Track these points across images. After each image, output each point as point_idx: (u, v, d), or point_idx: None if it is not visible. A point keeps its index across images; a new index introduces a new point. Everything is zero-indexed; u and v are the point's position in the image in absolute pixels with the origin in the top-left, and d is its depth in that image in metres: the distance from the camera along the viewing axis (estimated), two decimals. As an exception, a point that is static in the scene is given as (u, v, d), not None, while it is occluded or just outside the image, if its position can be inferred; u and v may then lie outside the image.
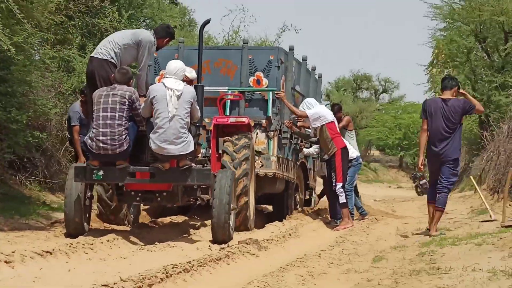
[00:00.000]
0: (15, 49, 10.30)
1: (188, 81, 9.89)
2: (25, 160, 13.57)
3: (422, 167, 10.88)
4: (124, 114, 8.97)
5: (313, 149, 14.14)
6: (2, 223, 10.15)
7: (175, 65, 9.30)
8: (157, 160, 9.12)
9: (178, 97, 8.97)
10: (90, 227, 10.29)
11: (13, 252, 7.17)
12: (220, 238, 9.30)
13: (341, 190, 12.02)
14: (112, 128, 8.90)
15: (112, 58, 9.57)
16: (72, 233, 9.26)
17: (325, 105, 14.23)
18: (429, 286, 5.86)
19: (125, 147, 8.97)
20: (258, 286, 6.03)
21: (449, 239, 9.25)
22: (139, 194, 9.56)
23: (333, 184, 12.14)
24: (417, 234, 10.85)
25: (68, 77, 15.01)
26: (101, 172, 9.11)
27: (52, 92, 14.17)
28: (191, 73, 10.19)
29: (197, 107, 9.41)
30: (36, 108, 12.43)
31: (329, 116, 12.35)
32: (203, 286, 6.45)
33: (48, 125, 14.14)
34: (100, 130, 8.91)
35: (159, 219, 12.38)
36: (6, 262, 6.86)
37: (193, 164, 9.34)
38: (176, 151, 8.96)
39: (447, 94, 10.55)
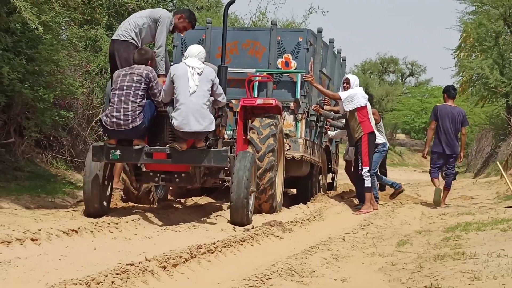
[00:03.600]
0: (43, 28, 10.32)
1: None
2: (51, 138, 13.65)
3: (427, 156, 14.27)
4: (140, 92, 8.99)
5: (336, 132, 14.12)
6: (28, 201, 10.23)
7: (196, 48, 9.36)
8: (175, 141, 9.14)
9: (199, 74, 9.01)
10: (115, 206, 10.37)
11: (40, 230, 7.26)
12: (238, 220, 9.26)
13: (367, 174, 11.99)
14: (126, 105, 8.93)
15: (133, 39, 9.63)
16: (91, 212, 9.31)
17: None
18: (454, 271, 5.83)
19: (138, 123, 8.95)
20: (282, 268, 6.03)
21: (475, 224, 9.19)
22: (158, 175, 9.56)
23: (359, 168, 12.11)
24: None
25: (95, 56, 15.07)
26: (118, 152, 9.12)
27: (79, 72, 14.22)
28: None
29: (220, 89, 9.39)
30: (63, 87, 12.48)
31: (362, 100, 12.24)
32: (227, 267, 6.48)
33: (74, 104, 14.20)
34: (115, 106, 8.97)
35: (184, 200, 12.42)
36: (32, 239, 6.95)
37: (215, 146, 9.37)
38: (198, 128, 8.93)
39: (451, 102, 13.54)
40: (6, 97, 11.07)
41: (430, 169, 13.76)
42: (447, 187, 13.65)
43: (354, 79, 12.53)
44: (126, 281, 5.27)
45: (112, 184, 9.89)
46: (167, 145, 9.19)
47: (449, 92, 13.60)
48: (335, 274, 6.14)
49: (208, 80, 9.09)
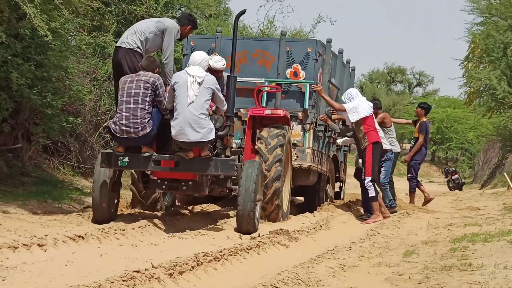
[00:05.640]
0: (52, 35, 10.36)
1: (214, 70, 9.88)
2: (59, 144, 13.70)
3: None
4: (147, 99, 9.02)
5: (344, 138, 14.14)
6: (35, 206, 10.25)
7: (199, 55, 9.39)
8: (182, 149, 9.16)
9: (200, 84, 9.04)
10: (121, 213, 10.38)
11: (46, 235, 7.26)
12: (244, 228, 9.29)
13: (370, 184, 11.99)
14: (135, 112, 8.95)
15: (138, 47, 9.66)
16: (99, 219, 9.34)
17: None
18: (460, 282, 5.82)
19: (148, 130, 9.00)
20: (288, 277, 6.01)
21: (481, 235, 9.17)
22: (165, 182, 9.59)
23: (362, 178, 12.14)
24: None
25: (103, 63, 15.11)
26: (126, 159, 9.17)
27: (87, 78, 14.27)
28: (218, 63, 10.13)
29: (222, 97, 9.40)
30: (71, 93, 12.53)
31: (367, 110, 12.27)
32: (233, 275, 6.47)
33: (82, 111, 14.24)
34: (124, 114, 8.98)
35: (191, 207, 12.42)
36: (39, 245, 6.95)
37: (224, 155, 9.38)
38: (195, 138, 8.96)
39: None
40: (15, 103, 11.10)
41: (412, 179, 15.69)
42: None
43: (353, 92, 12.54)
44: (133, 288, 5.26)
45: (119, 191, 9.93)
46: (175, 154, 9.23)
47: (428, 109, 15.94)
48: (341, 284, 6.12)
49: (208, 88, 9.11)
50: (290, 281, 5.93)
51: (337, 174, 15.27)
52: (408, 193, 16.03)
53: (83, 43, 13.13)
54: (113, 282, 5.20)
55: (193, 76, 9.07)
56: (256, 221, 9.44)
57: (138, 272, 5.55)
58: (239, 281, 6.11)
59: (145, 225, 9.03)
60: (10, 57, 10.49)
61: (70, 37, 12.53)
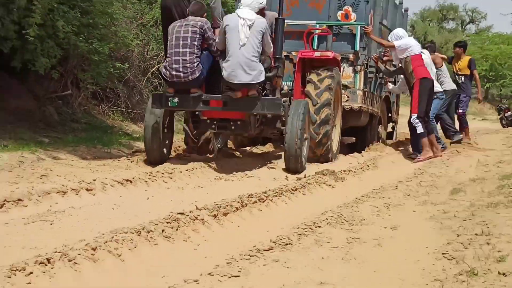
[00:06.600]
0: (96, -20, 10.39)
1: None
2: (108, 90, 13.81)
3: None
4: (196, 43, 9.11)
5: (398, 87, 14.04)
6: (85, 152, 10.39)
7: None
8: (231, 89, 9.21)
9: (250, 26, 9.10)
10: (174, 153, 10.49)
11: (94, 180, 7.36)
12: (292, 167, 9.40)
13: (417, 120, 11.90)
14: (184, 56, 9.07)
15: None
16: (152, 161, 9.54)
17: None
18: (506, 219, 5.75)
19: (197, 75, 9.13)
20: (332, 216, 6.03)
21: (531, 171, 9.05)
22: (214, 122, 9.73)
23: (410, 116, 12.05)
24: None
25: (150, 8, 15.11)
26: (176, 99, 9.33)
27: (134, 24, 14.29)
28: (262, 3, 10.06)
29: (269, 39, 9.40)
30: (117, 39, 12.59)
31: (416, 48, 12.18)
32: (277, 216, 6.50)
33: (130, 56, 14.30)
34: (173, 58, 9.12)
35: (249, 149, 12.48)
36: (87, 189, 7.05)
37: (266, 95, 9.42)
38: (247, 79, 9.08)
39: None
40: (62, 50, 11.19)
41: (464, 115, 15.21)
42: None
43: (401, 32, 12.42)
44: (177, 230, 5.30)
45: (173, 132, 10.06)
46: (223, 94, 9.33)
47: (466, 46, 15.86)
48: (385, 222, 6.11)
49: (259, 31, 9.15)
50: (334, 220, 5.94)
51: (389, 115, 15.20)
52: (463, 130, 15.62)
53: (129, -11, 13.15)
54: (157, 224, 5.25)
55: (243, 19, 9.13)
56: (303, 159, 9.55)
57: (182, 214, 5.61)
58: (283, 221, 6.14)
59: (193, 168, 9.10)
60: (56, 5, 10.54)
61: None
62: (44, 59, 10.43)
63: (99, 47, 11.35)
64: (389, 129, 15.62)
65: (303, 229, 5.54)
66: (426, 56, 12.56)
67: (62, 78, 12.27)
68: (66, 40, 10.86)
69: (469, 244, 4.96)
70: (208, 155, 10.62)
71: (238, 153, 11.77)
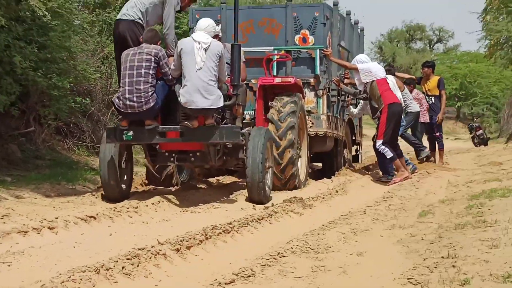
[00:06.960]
0: (51, 15, 10.27)
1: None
2: (71, 125, 13.65)
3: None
4: (150, 72, 8.90)
5: (357, 110, 14.02)
6: (49, 189, 10.21)
7: (206, 21, 9.32)
8: (188, 119, 9.04)
9: (206, 50, 8.92)
10: (136, 189, 10.31)
11: (57, 218, 7.23)
12: (255, 197, 9.20)
13: (383, 146, 11.84)
14: (138, 86, 8.84)
15: (139, 18, 9.56)
16: (111, 197, 9.29)
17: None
18: (473, 239, 5.69)
19: (152, 104, 8.89)
20: (297, 245, 5.92)
21: (500, 190, 8.98)
22: (173, 155, 9.50)
23: (374, 141, 12.02)
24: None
25: (110, 41, 14.99)
26: (130, 133, 9.08)
27: (95, 57, 14.17)
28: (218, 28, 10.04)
29: (225, 67, 9.25)
30: (77, 73, 12.45)
31: (380, 72, 12.17)
32: (243, 247, 6.37)
33: (93, 90, 14.17)
34: (126, 88, 8.88)
35: (215, 181, 12.34)
36: (49, 228, 6.93)
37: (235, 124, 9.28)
38: (205, 104, 8.85)
39: None
40: (21, 86, 11.03)
41: (440, 136, 15.43)
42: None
43: (363, 58, 12.47)
44: (138, 266, 5.17)
45: (132, 167, 9.85)
46: (179, 124, 9.13)
47: (434, 66, 15.76)
48: (351, 249, 6.00)
49: (215, 54, 8.98)
50: (299, 249, 5.84)
51: (353, 137, 15.16)
52: (438, 151, 15.57)
53: (85, 22, 12.98)
54: (116, 261, 5.12)
55: (199, 42, 8.95)
56: (267, 190, 9.35)
57: (143, 249, 5.48)
58: (248, 252, 6.01)
59: (159, 202, 8.97)
60: (12, 41, 10.41)
61: (74, 16, 12.32)
62: (3, 97, 10.28)
63: (59, 82, 11.21)
64: (353, 152, 15.57)
65: (267, 259, 5.44)
66: (390, 80, 12.52)
67: (24, 114, 12.10)
68: (24, 76, 10.72)
69: (435, 267, 4.89)
70: (171, 188, 10.49)
71: (205, 185, 11.63)
